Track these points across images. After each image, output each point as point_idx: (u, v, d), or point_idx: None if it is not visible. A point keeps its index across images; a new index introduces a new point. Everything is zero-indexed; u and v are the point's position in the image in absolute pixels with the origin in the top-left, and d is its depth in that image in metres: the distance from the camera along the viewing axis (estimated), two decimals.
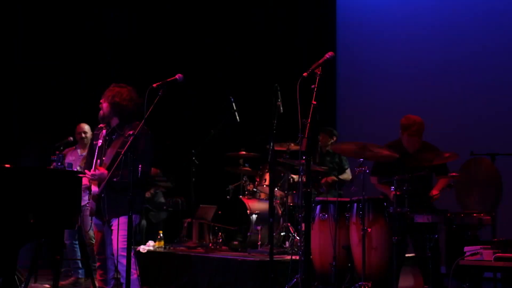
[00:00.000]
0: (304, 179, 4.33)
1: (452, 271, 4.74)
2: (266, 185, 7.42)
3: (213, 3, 9.90)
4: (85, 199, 6.80)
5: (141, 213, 5.37)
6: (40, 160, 8.30)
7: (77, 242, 7.09)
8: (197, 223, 8.29)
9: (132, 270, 4.59)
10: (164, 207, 8.82)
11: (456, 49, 8.32)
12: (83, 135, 7.28)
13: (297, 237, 6.58)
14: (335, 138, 7.76)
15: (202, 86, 9.55)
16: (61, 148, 7.09)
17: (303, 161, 4.21)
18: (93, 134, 5.25)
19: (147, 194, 8.63)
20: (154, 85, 4.70)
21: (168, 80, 4.79)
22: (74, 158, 7.10)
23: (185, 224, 8.20)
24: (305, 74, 4.11)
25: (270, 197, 5.68)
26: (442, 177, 5.87)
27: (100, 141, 5.03)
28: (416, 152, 5.87)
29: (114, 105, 4.95)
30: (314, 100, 4.03)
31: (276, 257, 6.16)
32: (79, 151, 7.23)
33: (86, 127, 7.32)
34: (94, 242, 6.94)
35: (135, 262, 4.77)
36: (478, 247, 4.57)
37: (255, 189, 7.79)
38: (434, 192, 5.76)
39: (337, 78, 9.51)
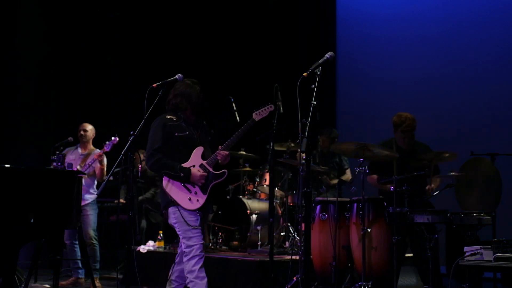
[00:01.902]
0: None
1: (452, 271, 4.73)
2: (266, 185, 7.43)
3: (213, 3, 9.90)
4: (85, 199, 6.89)
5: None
6: (40, 160, 8.30)
7: (77, 242, 7.08)
8: None
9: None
10: None
11: (456, 49, 8.32)
12: (82, 132, 7.20)
13: (297, 237, 6.58)
14: (335, 139, 7.74)
15: (202, 86, 9.52)
16: (61, 148, 7.09)
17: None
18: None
19: (147, 195, 8.62)
20: (154, 85, 4.72)
21: (168, 80, 4.81)
22: (75, 158, 7.08)
23: None
24: (305, 74, 4.11)
25: (270, 197, 5.68)
26: (435, 177, 5.84)
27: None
28: (411, 150, 5.88)
29: None
30: (314, 100, 4.03)
31: (276, 257, 6.16)
32: (79, 150, 7.21)
33: (89, 126, 7.30)
34: (94, 242, 6.99)
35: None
36: (478, 247, 4.56)
37: (255, 189, 7.79)
38: (429, 187, 5.71)
39: (337, 78, 9.51)
